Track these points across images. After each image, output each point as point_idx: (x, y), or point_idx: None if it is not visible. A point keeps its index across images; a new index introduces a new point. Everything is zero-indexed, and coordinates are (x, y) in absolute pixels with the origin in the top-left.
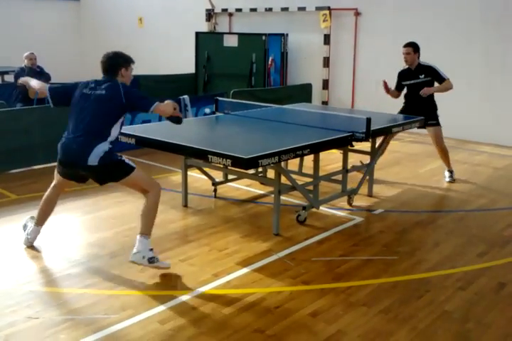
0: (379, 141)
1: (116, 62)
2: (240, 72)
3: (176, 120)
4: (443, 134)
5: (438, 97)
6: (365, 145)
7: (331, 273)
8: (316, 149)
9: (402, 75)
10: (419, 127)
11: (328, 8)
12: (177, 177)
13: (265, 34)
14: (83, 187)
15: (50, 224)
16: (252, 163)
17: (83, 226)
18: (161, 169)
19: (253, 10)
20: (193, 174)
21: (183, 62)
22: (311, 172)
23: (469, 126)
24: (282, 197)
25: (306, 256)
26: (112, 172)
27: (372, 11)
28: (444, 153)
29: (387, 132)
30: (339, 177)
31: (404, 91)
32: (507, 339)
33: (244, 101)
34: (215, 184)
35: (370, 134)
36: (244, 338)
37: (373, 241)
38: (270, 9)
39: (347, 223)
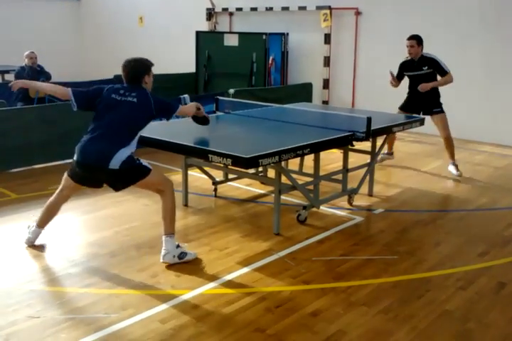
0: (379, 140)
1: (139, 70)
2: (240, 71)
3: (202, 120)
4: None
5: None
6: (366, 145)
7: (332, 273)
8: (316, 149)
9: (405, 66)
10: (424, 113)
11: (329, 8)
12: (177, 177)
13: (266, 33)
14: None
15: (50, 223)
16: (253, 162)
17: (83, 225)
18: (161, 168)
19: (253, 9)
20: (194, 173)
21: (183, 61)
22: (311, 171)
23: (469, 126)
24: (283, 197)
25: (307, 255)
26: (130, 176)
27: (373, 10)
28: (449, 142)
29: (388, 132)
30: (339, 176)
31: (405, 81)
32: (507, 338)
33: (244, 101)
34: (215, 183)
35: (370, 134)
36: (244, 337)
37: (374, 241)
38: (271, 8)
39: (347, 222)
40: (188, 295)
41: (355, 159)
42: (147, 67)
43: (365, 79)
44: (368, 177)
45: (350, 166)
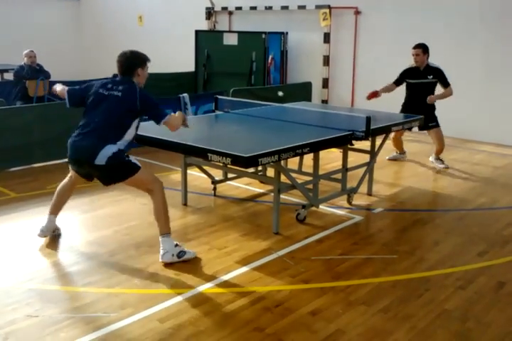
0: (379, 140)
1: (133, 62)
2: (239, 70)
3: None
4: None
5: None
6: (365, 144)
7: (331, 272)
8: (315, 148)
9: (409, 73)
10: (420, 129)
11: (328, 7)
12: (177, 176)
13: (265, 32)
14: (81, 185)
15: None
16: (252, 161)
17: (82, 224)
18: (160, 167)
19: (253, 8)
20: (193, 172)
21: (182, 60)
22: (310, 170)
23: (469, 126)
24: (282, 196)
25: (306, 254)
26: (118, 173)
27: (373, 9)
28: (442, 145)
29: (387, 131)
30: (339, 175)
31: (400, 88)
32: (507, 338)
33: (244, 100)
34: (214, 182)
35: (370, 133)
36: (243, 337)
37: (373, 240)
38: (270, 7)
39: (346, 222)
40: (187, 295)
41: (354, 158)
42: (142, 60)
43: (365, 79)
44: (367, 177)
45: (349, 165)
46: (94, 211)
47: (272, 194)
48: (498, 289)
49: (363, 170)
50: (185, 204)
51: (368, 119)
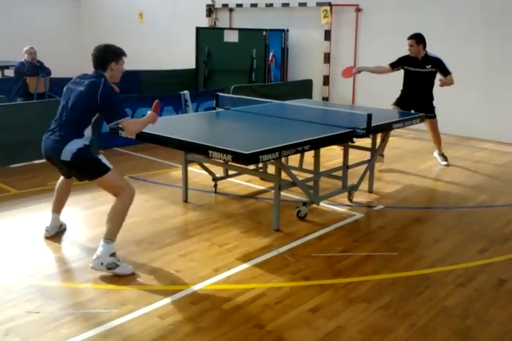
0: (379, 137)
1: (105, 55)
2: (240, 67)
3: None
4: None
5: (438, 95)
6: (366, 142)
7: (331, 269)
8: (316, 145)
9: (408, 60)
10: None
11: (329, 4)
12: (177, 173)
13: (266, 30)
14: (84, 182)
15: (49, 219)
16: (253, 158)
17: (82, 221)
18: (161, 164)
19: (254, 5)
20: (194, 169)
21: (183, 57)
22: (311, 168)
23: (470, 124)
24: (282, 193)
25: (306, 251)
26: (85, 170)
27: (374, 7)
28: (437, 137)
29: (388, 128)
30: (339, 173)
31: (396, 73)
32: (507, 335)
33: (244, 97)
34: (215, 179)
35: (370, 130)
36: (243, 333)
37: (373, 238)
38: (271, 5)
39: (347, 219)
40: (187, 291)
41: (355, 156)
42: (117, 54)
43: (366, 76)
44: (368, 174)
45: (350, 163)
46: (96, 207)
47: (273, 191)
48: (499, 287)
49: (363, 167)
50: (185, 201)
51: (369, 117)
